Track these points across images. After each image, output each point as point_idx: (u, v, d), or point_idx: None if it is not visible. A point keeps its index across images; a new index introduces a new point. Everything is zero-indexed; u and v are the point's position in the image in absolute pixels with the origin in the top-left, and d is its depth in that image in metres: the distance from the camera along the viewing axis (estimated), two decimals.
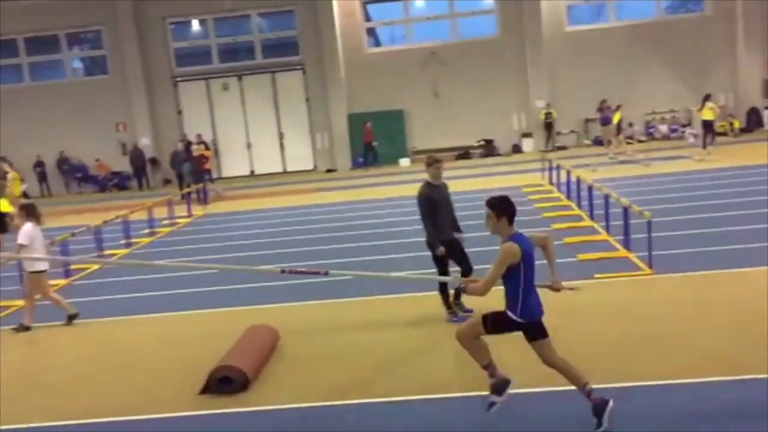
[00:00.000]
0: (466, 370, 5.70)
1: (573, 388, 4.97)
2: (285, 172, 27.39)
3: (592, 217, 12.18)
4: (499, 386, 5.04)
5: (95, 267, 12.18)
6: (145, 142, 27.07)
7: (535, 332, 4.94)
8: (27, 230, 8.67)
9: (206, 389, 6.02)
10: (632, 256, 9.53)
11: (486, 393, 5.11)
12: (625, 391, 5.37)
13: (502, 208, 4.89)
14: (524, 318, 4.89)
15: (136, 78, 26.82)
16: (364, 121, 25.74)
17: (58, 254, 11.23)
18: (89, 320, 9.00)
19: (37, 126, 26.92)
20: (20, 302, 9.25)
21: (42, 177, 27.04)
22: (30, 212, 8.97)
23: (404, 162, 26.18)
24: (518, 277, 4.84)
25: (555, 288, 5.22)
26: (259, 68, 27.39)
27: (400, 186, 18.94)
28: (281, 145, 27.78)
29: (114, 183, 27.09)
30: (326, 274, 6.27)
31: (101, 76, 27.74)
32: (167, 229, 15.79)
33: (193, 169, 21.67)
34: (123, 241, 13.94)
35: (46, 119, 26.90)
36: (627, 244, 9.91)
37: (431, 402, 5.67)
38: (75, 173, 27.49)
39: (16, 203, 15.88)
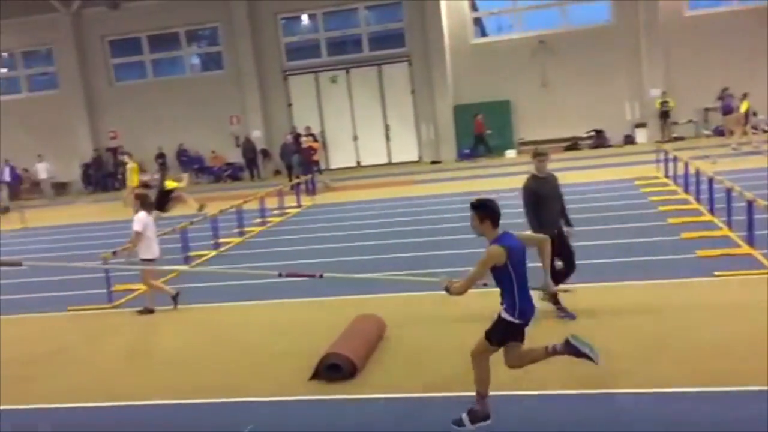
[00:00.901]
0: (571, 368, 5.55)
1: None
2: (390, 164, 27.62)
3: (712, 211, 11.56)
4: (478, 416, 4.99)
5: (212, 253, 12.79)
6: (256, 134, 28.04)
7: (521, 334, 4.97)
8: (141, 218, 9.24)
9: (316, 375, 6.20)
10: (756, 253, 8.99)
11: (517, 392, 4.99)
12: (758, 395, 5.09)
13: (484, 210, 4.89)
14: (520, 319, 4.90)
15: (249, 72, 27.78)
16: (475, 113, 25.49)
17: (179, 240, 11.88)
18: (204, 305, 9.46)
19: (158, 119, 28.45)
20: (144, 286, 9.82)
21: (162, 167, 28.55)
22: (144, 201, 9.61)
23: (510, 153, 25.78)
24: (510, 278, 4.84)
25: (547, 290, 5.23)
26: (365, 61, 27.72)
27: (505, 178, 18.69)
28: (387, 137, 28.02)
29: (228, 174, 28.23)
30: (321, 276, 6.69)
31: (217, 72, 28.94)
32: (277, 219, 16.31)
33: (302, 161, 22.27)
34: (236, 230, 14.52)
35: (167, 113, 28.37)
36: (750, 240, 9.36)
37: (537, 397, 5.59)
38: (192, 164, 28.85)
39: (131, 192, 16.96)
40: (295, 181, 20.08)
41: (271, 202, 17.16)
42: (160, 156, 28.36)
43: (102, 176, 28.90)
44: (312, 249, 12.45)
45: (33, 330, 9.22)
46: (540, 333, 5.45)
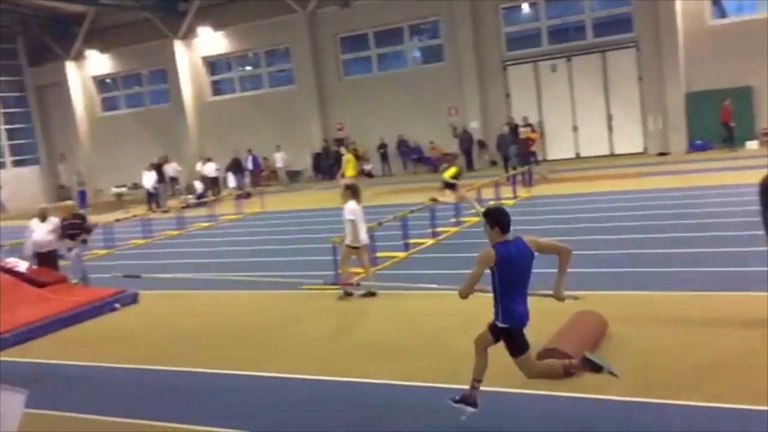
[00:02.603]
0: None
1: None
2: (612, 155, 26.40)
3: None
4: (468, 400, 5.31)
5: (430, 242, 13.20)
6: (474, 125, 28.28)
7: (523, 342, 5.23)
8: (351, 207, 9.79)
9: None
10: None
11: None
12: None
13: (493, 218, 5.23)
14: (505, 323, 5.14)
15: (469, 64, 28.05)
16: (723, 98, 23.47)
17: (399, 228, 12.44)
18: (418, 292, 9.78)
19: (381, 111, 29.80)
20: (361, 270, 10.33)
21: (384, 158, 29.91)
22: (354, 192, 10.14)
23: (751, 145, 23.41)
24: (494, 282, 5.15)
25: (557, 297, 5.40)
26: (589, 48, 26.70)
27: (741, 172, 17.02)
28: (609, 127, 26.80)
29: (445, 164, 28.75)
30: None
31: (437, 64, 29.58)
32: None
33: (519, 152, 22.07)
34: (453, 219, 14.82)
35: (389, 105, 29.61)
36: None
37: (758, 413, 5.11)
38: (411, 155, 29.85)
39: (343, 182, 17.86)
40: (512, 172, 19.97)
41: (487, 193, 17.26)
42: (382, 146, 29.69)
43: (329, 165, 30.93)
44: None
45: (276, 303, 10.19)
46: None
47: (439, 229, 13.92)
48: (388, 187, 24.82)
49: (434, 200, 15.77)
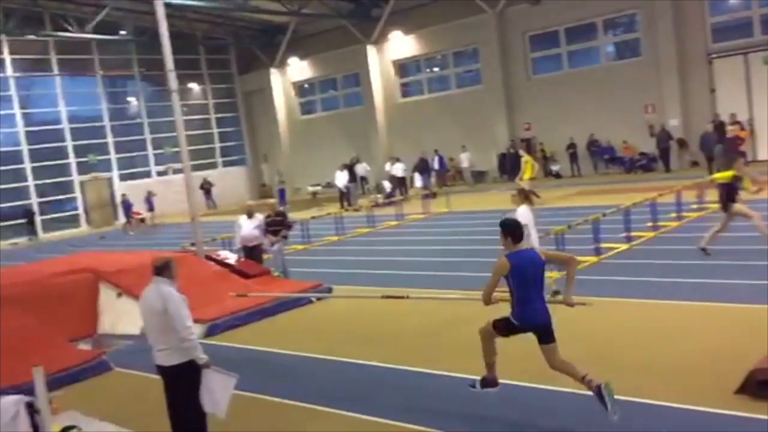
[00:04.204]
0: None
1: None
2: None
3: None
4: (488, 382, 6.03)
5: (623, 247, 12.59)
6: (673, 123, 26.48)
7: (547, 336, 5.70)
8: (523, 212, 9.64)
9: (743, 389, 5.68)
10: None
11: None
12: None
13: (507, 229, 5.84)
14: (519, 321, 5.71)
15: (668, 57, 26.32)
16: None
17: (589, 232, 11.97)
18: (611, 298, 9.38)
19: (570, 110, 28.84)
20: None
21: (573, 158, 28.96)
22: (525, 196, 10.09)
23: None
24: (510, 286, 5.71)
25: (567, 303, 5.94)
26: None
27: None
28: None
29: (640, 164, 27.28)
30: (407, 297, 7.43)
31: (632, 59, 28.04)
32: (695, 215, 15.22)
33: (725, 151, 20.32)
34: (649, 224, 14.01)
35: (579, 103, 28.58)
36: None
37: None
38: (603, 154, 28.60)
39: (520, 186, 17.43)
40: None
41: (689, 196, 16.08)
42: (571, 146, 28.76)
43: (513, 166, 30.49)
44: (739, 250, 11.31)
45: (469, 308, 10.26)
46: None
47: (633, 234, 13.23)
48: (577, 188, 24.01)
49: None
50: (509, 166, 30.13)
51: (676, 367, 6.68)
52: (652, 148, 26.81)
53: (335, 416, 6.58)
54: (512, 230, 5.83)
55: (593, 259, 11.84)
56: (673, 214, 15.01)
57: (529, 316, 5.69)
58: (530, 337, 5.80)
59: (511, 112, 30.77)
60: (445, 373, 7.25)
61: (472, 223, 19.03)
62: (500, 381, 6.08)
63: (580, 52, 29.67)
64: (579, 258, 11.53)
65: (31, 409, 4.25)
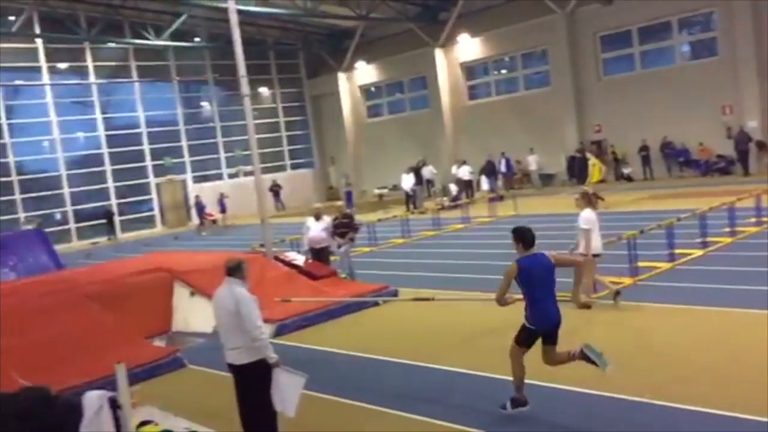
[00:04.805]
0: None
1: None
2: None
3: None
4: (518, 402, 6.18)
5: (698, 253, 12.20)
6: (752, 124, 25.45)
7: (552, 337, 6.16)
8: (587, 216, 9.57)
9: None
10: None
11: None
12: None
13: (517, 235, 6.30)
14: (533, 324, 6.09)
15: (747, 57, 25.30)
16: None
17: (663, 237, 11.66)
18: (685, 306, 9.11)
19: (642, 112, 28.07)
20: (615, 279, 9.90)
21: (645, 161, 28.17)
22: (589, 200, 9.93)
23: None
24: (522, 290, 6.12)
25: (575, 302, 6.69)
26: None
27: None
28: None
29: (717, 167, 26.33)
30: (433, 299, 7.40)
31: (708, 59, 27.10)
32: None
33: None
34: (727, 229, 13.52)
35: (652, 105, 27.78)
36: None
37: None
38: (677, 157, 27.73)
39: (584, 189, 17.00)
40: None
41: None
42: (643, 149, 28.00)
43: (581, 169, 29.87)
44: None
45: None
46: None
47: (709, 239, 12.80)
48: (650, 192, 23.38)
49: None
50: (577, 169, 29.60)
51: (747, 378, 6.44)
52: (729, 150, 25.85)
53: (402, 419, 6.63)
54: (522, 236, 6.29)
55: (666, 265, 11.53)
56: (752, 219, 14.44)
57: (539, 317, 6.10)
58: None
59: (580, 114, 30.20)
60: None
61: (539, 226, 18.50)
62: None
63: (654, 51, 28.84)
64: (651, 264, 11.36)
65: (114, 405, 4.44)
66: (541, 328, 6.11)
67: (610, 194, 23.26)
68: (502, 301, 6.20)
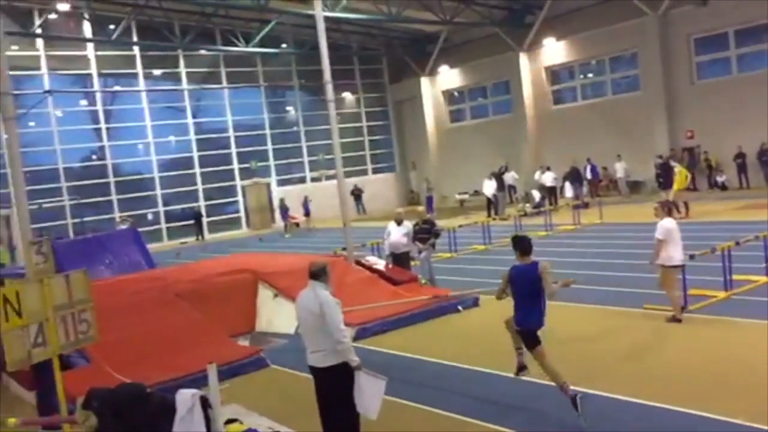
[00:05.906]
0: None
1: None
2: None
3: None
4: (573, 401, 6.36)
5: None
6: None
7: (527, 339, 6.73)
8: (665, 225, 9.33)
9: None
10: None
11: None
12: None
13: (514, 244, 6.82)
14: (518, 326, 6.80)
15: None
16: None
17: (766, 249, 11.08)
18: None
19: (739, 117, 26.77)
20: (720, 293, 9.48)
21: (741, 168, 26.88)
22: (668, 209, 9.71)
23: None
24: (511, 292, 6.82)
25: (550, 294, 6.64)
26: None
27: None
28: None
29: None
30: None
31: None
32: None
33: None
34: None
35: (750, 110, 26.45)
36: None
37: None
38: None
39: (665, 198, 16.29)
40: None
41: None
42: (739, 156, 26.73)
43: (665, 177, 28.71)
44: None
45: (611, 323, 9.88)
46: None
47: None
48: (745, 201, 22.27)
49: None
50: (662, 176, 28.55)
51: None
52: None
53: (483, 429, 6.55)
54: (517, 244, 6.83)
55: (764, 278, 10.94)
56: None
57: (516, 319, 6.79)
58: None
59: (672, 119, 29.10)
60: (601, 393, 7.00)
61: (626, 235, 18.19)
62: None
63: (751, 55, 27.50)
64: (747, 277, 10.82)
65: (205, 404, 4.57)
66: (519, 328, 6.79)
67: (702, 203, 22.34)
68: (500, 298, 7.05)
